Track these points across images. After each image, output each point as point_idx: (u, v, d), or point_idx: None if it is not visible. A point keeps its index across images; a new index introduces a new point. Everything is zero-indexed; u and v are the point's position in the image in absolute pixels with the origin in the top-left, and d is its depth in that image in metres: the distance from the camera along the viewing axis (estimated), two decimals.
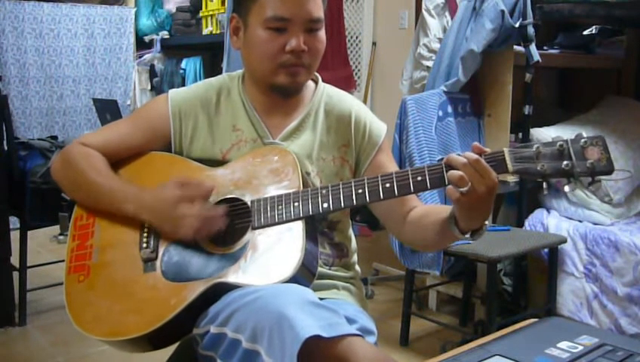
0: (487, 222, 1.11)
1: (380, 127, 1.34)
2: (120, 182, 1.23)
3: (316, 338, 0.90)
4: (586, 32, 3.27)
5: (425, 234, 1.22)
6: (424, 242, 1.28)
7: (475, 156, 1.02)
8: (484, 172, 1.01)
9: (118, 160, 1.28)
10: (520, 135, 2.74)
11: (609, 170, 0.99)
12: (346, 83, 3.31)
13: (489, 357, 0.96)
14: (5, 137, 2.69)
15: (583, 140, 1.00)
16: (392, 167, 1.33)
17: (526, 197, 2.78)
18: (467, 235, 1.11)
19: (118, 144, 1.28)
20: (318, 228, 1.24)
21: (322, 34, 1.23)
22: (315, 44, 1.21)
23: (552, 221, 2.68)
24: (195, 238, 1.13)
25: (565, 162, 1.00)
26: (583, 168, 0.99)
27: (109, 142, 1.28)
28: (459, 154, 1.04)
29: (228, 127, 1.28)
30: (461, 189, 1.02)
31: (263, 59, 1.20)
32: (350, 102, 1.34)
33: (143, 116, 1.32)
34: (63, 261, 1.23)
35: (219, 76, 1.36)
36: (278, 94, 1.26)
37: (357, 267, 1.38)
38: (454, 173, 1.02)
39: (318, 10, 1.20)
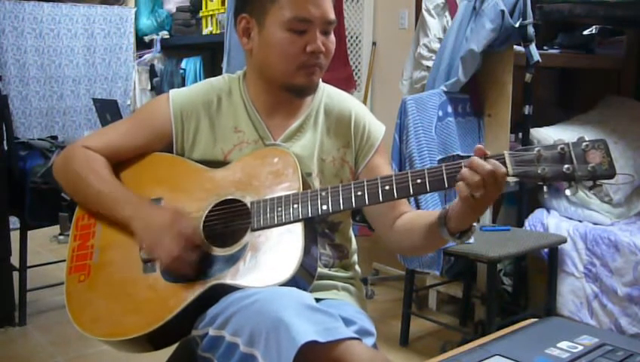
0: (475, 224, 1.12)
1: (378, 129, 1.33)
2: (121, 187, 1.23)
3: (312, 343, 0.90)
4: (586, 32, 3.27)
5: (412, 238, 1.23)
6: (411, 246, 1.28)
7: (503, 170, 1.00)
8: (502, 181, 1.01)
9: (120, 161, 1.28)
10: (520, 135, 2.74)
11: (611, 174, 0.97)
12: (346, 83, 3.30)
13: (489, 357, 0.96)
14: (5, 137, 2.69)
15: (584, 143, 0.98)
16: (387, 170, 1.32)
17: (526, 197, 2.78)
18: (456, 236, 1.11)
19: (120, 146, 1.28)
20: (318, 229, 1.24)
21: (333, 36, 1.24)
22: (329, 46, 1.22)
23: (552, 221, 2.68)
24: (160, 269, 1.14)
25: (566, 166, 0.98)
26: (585, 172, 0.97)
27: (112, 145, 1.28)
28: (482, 157, 1.02)
29: (229, 128, 1.28)
30: (476, 194, 1.01)
31: (283, 60, 1.20)
32: (350, 103, 1.34)
33: (145, 117, 1.32)
34: (63, 261, 1.24)
35: (219, 76, 1.35)
36: (294, 95, 1.26)
37: (357, 267, 1.38)
38: (474, 179, 1.00)
39: (333, 12, 1.21)
